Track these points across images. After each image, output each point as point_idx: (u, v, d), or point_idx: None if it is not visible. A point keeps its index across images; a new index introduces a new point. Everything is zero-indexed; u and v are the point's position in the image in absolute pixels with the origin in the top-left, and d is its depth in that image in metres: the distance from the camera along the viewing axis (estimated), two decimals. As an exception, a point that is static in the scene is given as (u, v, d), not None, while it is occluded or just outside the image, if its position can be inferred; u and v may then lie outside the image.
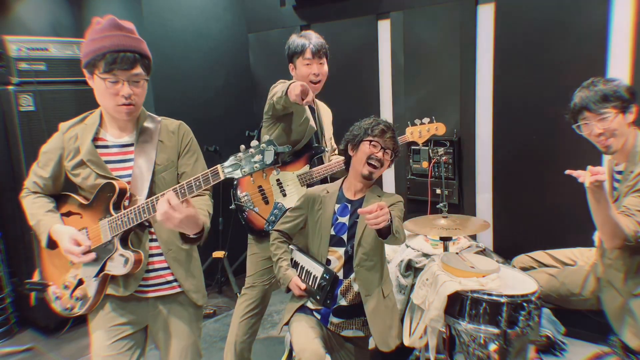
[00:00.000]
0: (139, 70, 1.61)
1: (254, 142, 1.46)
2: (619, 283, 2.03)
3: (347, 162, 2.17)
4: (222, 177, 1.48)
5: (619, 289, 2.03)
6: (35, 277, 1.85)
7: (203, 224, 1.62)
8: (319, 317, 2.10)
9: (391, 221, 1.85)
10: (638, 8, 2.57)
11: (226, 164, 1.47)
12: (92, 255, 1.65)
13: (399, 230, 1.94)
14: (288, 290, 2.14)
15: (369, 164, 2.06)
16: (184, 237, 1.63)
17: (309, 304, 2.13)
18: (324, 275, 2.02)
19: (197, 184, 1.51)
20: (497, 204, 3.20)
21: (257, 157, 1.44)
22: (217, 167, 1.48)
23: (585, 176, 1.76)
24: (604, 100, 1.99)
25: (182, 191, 1.52)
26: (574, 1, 2.74)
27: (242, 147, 1.46)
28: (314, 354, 1.89)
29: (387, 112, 3.63)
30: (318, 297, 2.04)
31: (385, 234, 1.88)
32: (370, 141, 2.05)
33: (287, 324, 2.14)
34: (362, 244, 2.05)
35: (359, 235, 2.05)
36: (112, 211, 1.65)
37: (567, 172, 1.82)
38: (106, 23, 1.61)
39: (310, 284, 2.07)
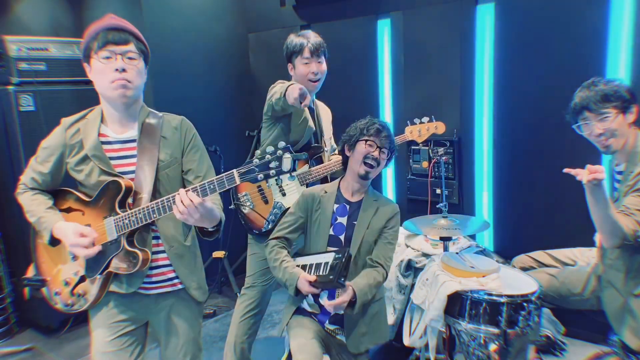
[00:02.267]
0: (132, 47, 1.62)
1: (269, 148, 1.45)
2: (620, 283, 2.03)
3: (345, 162, 2.18)
4: (237, 182, 1.49)
5: (619, 288, 2.03)
6: (30, 272, 1.84)
7: (220, 216, 1.68)
8: (316, 319, 2.10)
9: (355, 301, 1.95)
10: (638, 8, 2.57)
11: (242, 169, 1.48)
12: (98, 248, 1.64)
13: (366, 295, 1.98)
14: (297, 292, 2.02)
15: (366, 164, 2.06)
16: (202, 232, 1.71)
17: (307, 307, 2.11)
18: (337, 255, 1.97)
19: (212, 187, 1.53)
20: (497, 204, 3.20)
21: (274, 164, 1.45)
22: (232, 172, 1.49)
23: (583, 174, 1.77)
24: (605, 100, 1.99)
25: (196, 193, 1.53)
26: (574, 1, 2.74)
27: (258, 152, 1.48)
28: (312, 355, 1.89)
29: (387, 112, 3.63)
30: (332, 277, 1.91)
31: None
32: (366, 140, 2.06)
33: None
34: (361, 251, 2.06)
35: (358, 243, 2.06)
36: (117, 209, 1.64)
37: (565, 170, 1.82)
38: (103, 18, 1.66)
39: (321, 273, 1.99)
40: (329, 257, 1.99)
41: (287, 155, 1.44)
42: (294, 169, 1.46)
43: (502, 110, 3.09)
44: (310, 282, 1.96)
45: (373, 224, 2.08)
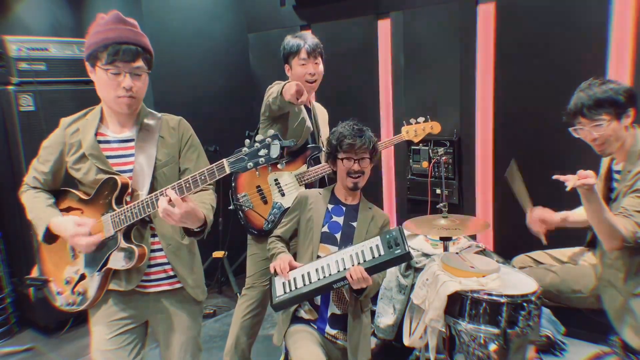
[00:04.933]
0: (140, 63, 1.63)
1: (259, 137, 1.47)
2: (620, 283, 2.03)
3: (335, 172, 2.20)
4: (227, 171, 1.50)
5: (620, 288, 2.03)
6: (34, 273, 1.85)
7: (205, 217, 1.65)
8: (315, 327, 2.08)
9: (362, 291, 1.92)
10: (638, 8, 2.57)
11: (231, 158, 1.49)
12: (99, 237, 1.64)
13: (369, 295, 2.00)
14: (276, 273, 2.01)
15: (350, 177, 2.08)
16: (187, 231, 1.68)
17: (303, 314, 2.09)
18: (388, 236, 1.89)
19: (202, 178, 1.53)
20: (497, 204, 3.20)
21: (263, 151, 1.46)
22: (222, 161, 1.50)
23: (572, 180, 1.78)
24: (598, 107, 1.97)
25: (187, 185, 1.54)
26: (574, 1, 2.74)
27: (247, 141, 1.48)
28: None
29: (387, 112, 3.63)
30: (399, 252, 1.83)
31: (358, 292, 1.93)
32: (342, 159, 2.08)
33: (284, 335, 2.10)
34: None
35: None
36: (114, 206, 1.65)
37: (555, 177, 1.84)
38: (110, 17, 1.63)
39: (373, 257, 1.90)
40: (368, 243, 1.92)
41: (275, 142, 1.45)
42: (282, 156, 1.46)
43: (502, 110, 3.09)
44: (365, 270, 1.86)
45: (371, 229, 2.11)
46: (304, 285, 1.92)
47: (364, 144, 2.04)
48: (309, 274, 1.94)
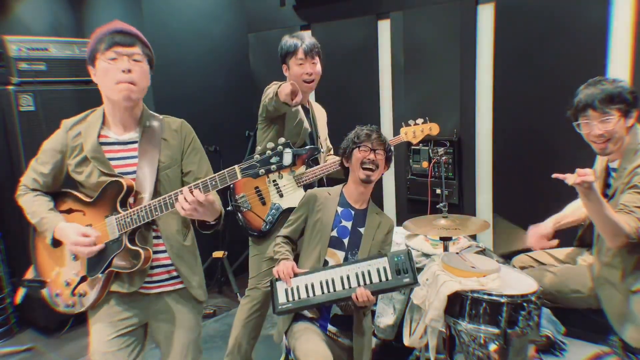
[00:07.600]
0: (137, 49, 1.64)
1: (270, 144, 1.50)
2: (617, 281, 2.03)
3: (347, 173, 2.21)
4: (239, 177, 1.53)
5: (617, 286, 2.03)
6: (30, 274, 1.84)
7: (221, 209, 1.72)
8: (317, 324, 2.09)
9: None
10: (638, 8, 2.57)
11: (243, 164, 1.52)
12: (101, 246, 1.65)
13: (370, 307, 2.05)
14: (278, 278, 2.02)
15: (364, 168, 2.10)
16: (202, 225, 1.73)
17: (306, 312, 2.09)
18: (397, 259, 1.93)
19: (214, 183, 1.55)
20: (497, 204, 3.20)
21: (275, 159, 1.49)
22: (234, 168, 1.53)
23: (571, 178, 1.78)
24: (610, 101, 1.98)
25: (199, 189, 1.56)
26: (574, 1, 2.74)
27: (259, 148, 1.51)
28: (320, 356, 1.88)
29: (387, 112, 3.63)
30: (408, 279, 1.89)
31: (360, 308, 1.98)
32: (359, 147, 2.11)
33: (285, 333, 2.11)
34: None
35: (365, 253, 2.08)
36: (119, 209, 1.65)
37: (554, 175, 1.85)
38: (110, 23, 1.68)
39: (380, 279, 1.94)
40: (375, 264, 1.95)
41: (288, 150, 1.49)
42: (294, 164, 1.50)
43: (502, 110, 3.09)
44: (371, 292, 1.90)
45: (377, 236, 2.13)
46: (308, 297, 1.95)
47: (380, 136, 2.14)
48: (312, 285, 1.96)
